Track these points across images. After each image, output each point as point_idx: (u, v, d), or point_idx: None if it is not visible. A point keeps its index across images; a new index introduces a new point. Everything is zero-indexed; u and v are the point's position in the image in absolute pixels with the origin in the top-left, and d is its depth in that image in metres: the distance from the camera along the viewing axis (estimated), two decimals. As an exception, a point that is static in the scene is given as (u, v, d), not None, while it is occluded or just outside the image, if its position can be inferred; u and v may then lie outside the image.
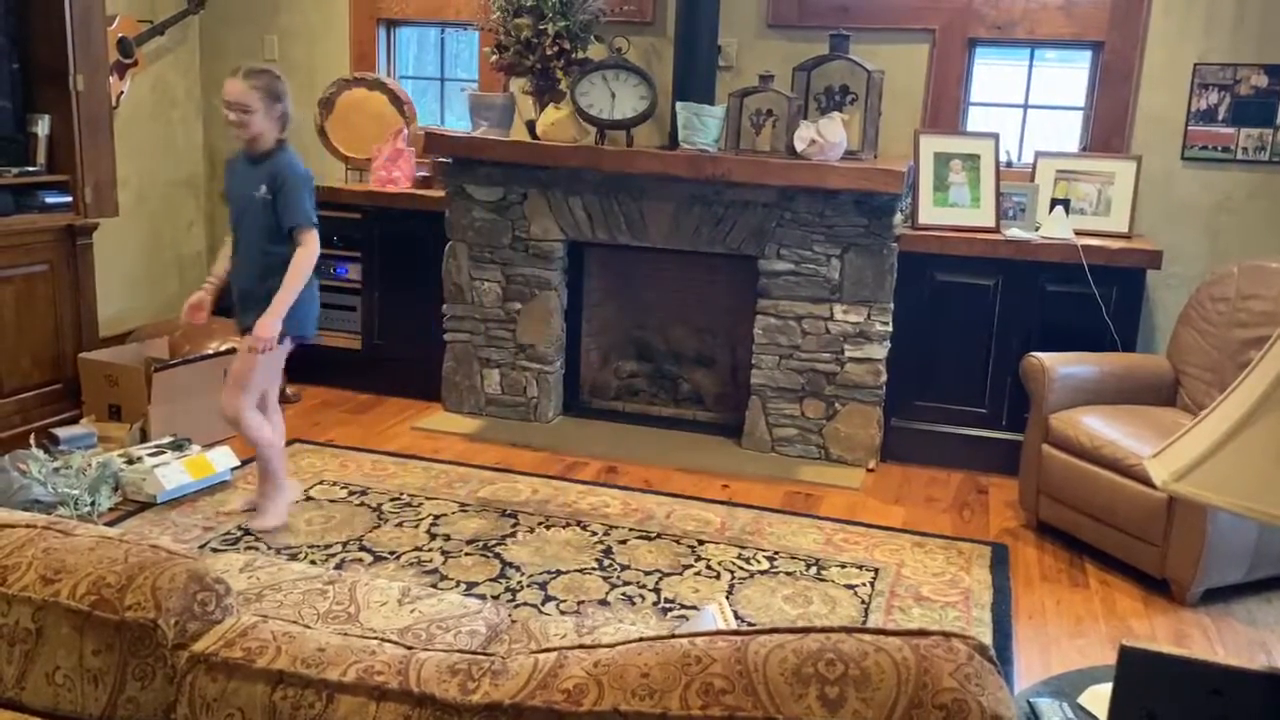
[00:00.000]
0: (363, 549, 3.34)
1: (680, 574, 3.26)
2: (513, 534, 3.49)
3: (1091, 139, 4.38)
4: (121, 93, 4.89)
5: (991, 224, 4.22)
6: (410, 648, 1.17)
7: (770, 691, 1.01)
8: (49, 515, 1.66)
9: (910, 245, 4.16)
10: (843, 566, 3.35)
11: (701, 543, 3.49)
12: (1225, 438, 1.20)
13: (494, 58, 4.52)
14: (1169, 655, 1.30)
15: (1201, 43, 4.18)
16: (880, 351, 4.18)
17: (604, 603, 3.07)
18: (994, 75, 4.64)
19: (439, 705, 1.07)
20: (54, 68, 4.06)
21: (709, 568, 3.31)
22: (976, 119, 4.56)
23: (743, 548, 3.46)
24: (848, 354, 4.21)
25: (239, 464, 3.87)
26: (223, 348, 4.40)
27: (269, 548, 3.30)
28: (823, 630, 1.07)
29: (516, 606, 3.00)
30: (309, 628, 1.22)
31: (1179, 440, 1.29)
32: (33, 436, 3.77)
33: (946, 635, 1.05)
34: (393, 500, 3.72)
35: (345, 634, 1.21)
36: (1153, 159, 4.26)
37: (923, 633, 1.05)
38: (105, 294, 4.58)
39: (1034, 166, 4.37)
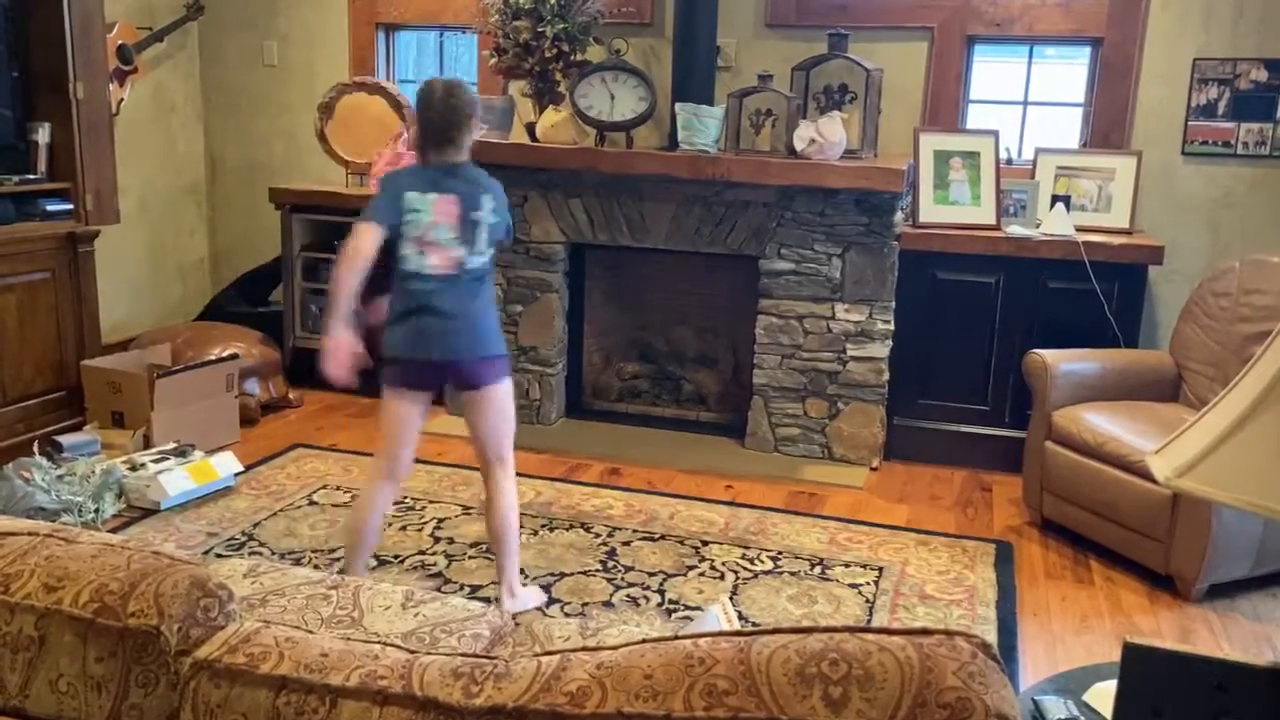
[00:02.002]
0: (366, 553, 3.33)
1: (684, 575, 3.26)
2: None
3: (1092, 135, 4.38)
4: (122, 100, 4.90)
5: (992, 221, 4.22)
6: (413, 652, 1.17)
7: (774, 692, 1.01)
8: (53, 523, 1.66)
9: (911, 243, 4.16)
10: (847, 566, 3.35)
11: (705, 543, 3.48)
12: (1227, 433, 1.20)
13: (493, 61, 4.52)
14: (1173, 651, 1.30)
15: (1200, 37, 4.17)
16: (882, 350, 4.18)
17: (608, 604, 3.07)
18: (993, 72, 4.64)
19: (442, 709, 1.07)
20: (54, 75, 4.07)
21: (713, 568, 3.31)
22: (976, 116, 4.55)
23: (746, 548, 3.45)
24: (850, 353, 4.21)
25: (242, 469, 3.87)
26: (224, 354, 4.41)
27: (272, 553, 3.30)
28: (825, 630, 1.07)
29: (521, 610, 3.00)
30: (312, 633, 1.22)
31: (1181, 436, 1.28)
32: (36, 444, 3.77)
33: (950, 634, 1.05)
34: (396, 504, 3.71)
35: (348, 639, 1.21)
36: (1153, 154, 4.26)
37: (926, 631, 1.05)
38: (108, 301, 4.59)
39: (1034, 163, 4.37)
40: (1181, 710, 1.28)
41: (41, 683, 1.19)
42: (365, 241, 2.68)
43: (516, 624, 1.97)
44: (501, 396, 2.88)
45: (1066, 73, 4.57)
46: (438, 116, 2.79)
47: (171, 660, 1.17)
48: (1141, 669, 1.30)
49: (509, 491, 2.94)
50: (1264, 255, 3.65)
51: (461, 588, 3.12)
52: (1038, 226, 4.18)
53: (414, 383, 2.84)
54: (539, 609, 3.02)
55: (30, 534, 1.32)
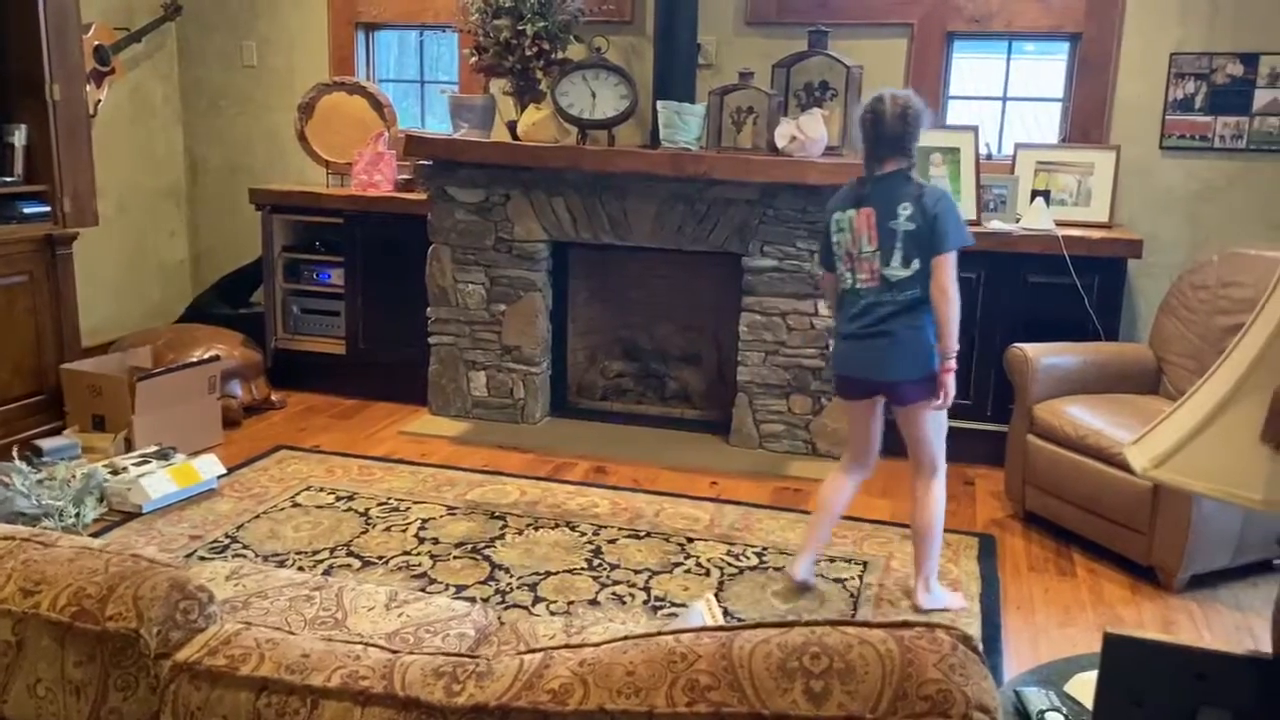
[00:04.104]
0: (350, 554, 3.32)
1: (670, 572, 3.26)
2: (501, 536, 3.48)
3: (1070, 130, 4.40)
4: (99, 101, 4.87)
5: (972, 217, 4.23)
6: (395, 651, 1.17)
7: (755, 686, 1.01)
8: (33, 527, 1.64)
9: (893, 239, 4.16)
10: (831, 561, 3.36)
11: (691, 540, 3.49)
12: (1203, 423, 1.21)
13: (473, 59, 4.51)
14: (1152, 641, 1.30)
15: (1177, 32, 4.20)
16: (865, 346, 4.19)
17: (594, 603, 3.07)
18: (972, 68, 4.66)
19: (424, 708, 1.07)
20: (29, 77, 4.03)
21: (698, 565, 3.31)
22: (956, 112, 4.57)
23: (732, 544, 3.46)
24: (833, 349, 4.21)
25: (224, 472, 3.85)
26: (206, 356, 4.39)
27: (256, 555, 3.28)
28: (807, 624, 1.07)
29: (506, 608, 3.00)
30: (293, 634, 1.21)
31: (1158, 426, 1.29)
32: (15, 448, 3.75)
33: (930, 626, 1.05)
34: (380, 505, 3.70)
35: (330, 639, 1.20)
36: (1131, 149, 4.29)
37: (906, 624, 1.06)
38: (87, 304, 4.55)
39: (1014, 159, 4.39)
40: (1162, 700, 1.29)
41: (19, 687, 1.18)
42: (824, 285, 3.14)
43: (501, 623, 1.97)
44: (914, 416, 2.94)
45: (1045, 68, 4.59)
46: (890, 131, 2.81)
47: (151, 663, 1.16)
48: (1122, 659, 1.31)
49: (926, 492, 3.03)
50: (1242, 248, 3.68)
51: (447, 588, 3.11)
52: (1018, 221, 4.20)
53: (847, 393, 3.04)
54: (947, 609, 3.05)
55: (7, 538, 1.31)
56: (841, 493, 3.12)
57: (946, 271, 2.80)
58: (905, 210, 2.79)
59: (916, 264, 2.80)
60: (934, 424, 2.96)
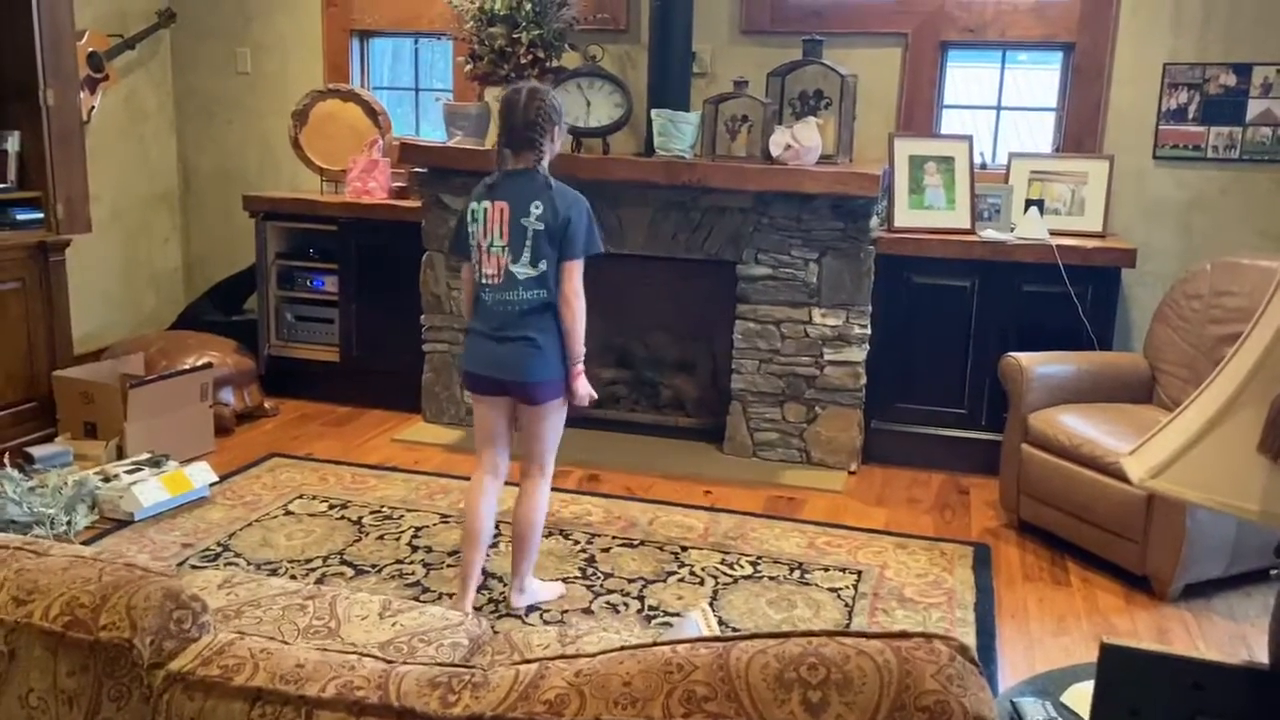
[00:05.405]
0: (344, 563, 3.31)
1: (664, 581, 3.26)
2: (495, 545, 3.46)
3: (1064, 139, 4.41)
4: (93, 107, 4.86)
5: (967, 225, 4.24)
6: (390, 661, 1.16)
7: (753, 698, 1.00)
8: (25, 535, 1.63)
9: (887, 248, 4.17)
10: (826, 570, 3.35)
11: (685, 549, 3.48)
12: (1200, 433, 1.21)
13: (468, 67, 4.52)
14: (1149, 651, 1.30)
15: (1170, 42, 4.22)
16: (859, 354, 4.19)
17: (588, 612, 3.06)
18: (967, 78, 4.67)
19: (420, 719, 1.06)
20: (23, 83, 4.02)
21: (693, 574, 3.30)
22: (950, 121, 4.58)
23: (726, 553, 3.45)
24: (827, 357, 4.22)
25: (217, 480, 3.83)
26: (199, 363, 4.37)
27: (248, 564, 3.27)
28: (804, 634, 1.06)
29: (500, 617, 2.99)
30: (287, 644, 1.21)
31: (1155, 437, 1.29)
32: (7, 456, 3.73)
33: (928, 637, 1.05)
34: (373, 513, 3.69)
35: (324, 649, 1.20)
36: (1125, 158, 4.30)
37: (904, 635, 1.05)
38: (80, 310, 4.54)
39: (1008, 168, 4.40)
40: (1158, 710, 1.29)
41: (11, 698, 1.18)
42: (463, 273, 2.95)
43: (495, 632, 1.96)
44: (542, 415, 2.91)
45: (1039, 78, 4.60)
46: (519, 121, 2.80)
47: (144, 673, 1.15)
48: (1118, 669, 1.31)
49: (535, 492, 2.99)
50: (1234, 257, 3.69)
51: (440, 596, 3.10)
52: (1012, 230, 4.21)
53: (476, 389, 2.97)
54: (559, 598, 3.09)
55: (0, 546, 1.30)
56: (490, 509, 3.02)
57: (572, 279, 2.84)
58: (537, 209, 2.78)
59: (544, 264, 2.80)
60: (553, 426, 2.96)
